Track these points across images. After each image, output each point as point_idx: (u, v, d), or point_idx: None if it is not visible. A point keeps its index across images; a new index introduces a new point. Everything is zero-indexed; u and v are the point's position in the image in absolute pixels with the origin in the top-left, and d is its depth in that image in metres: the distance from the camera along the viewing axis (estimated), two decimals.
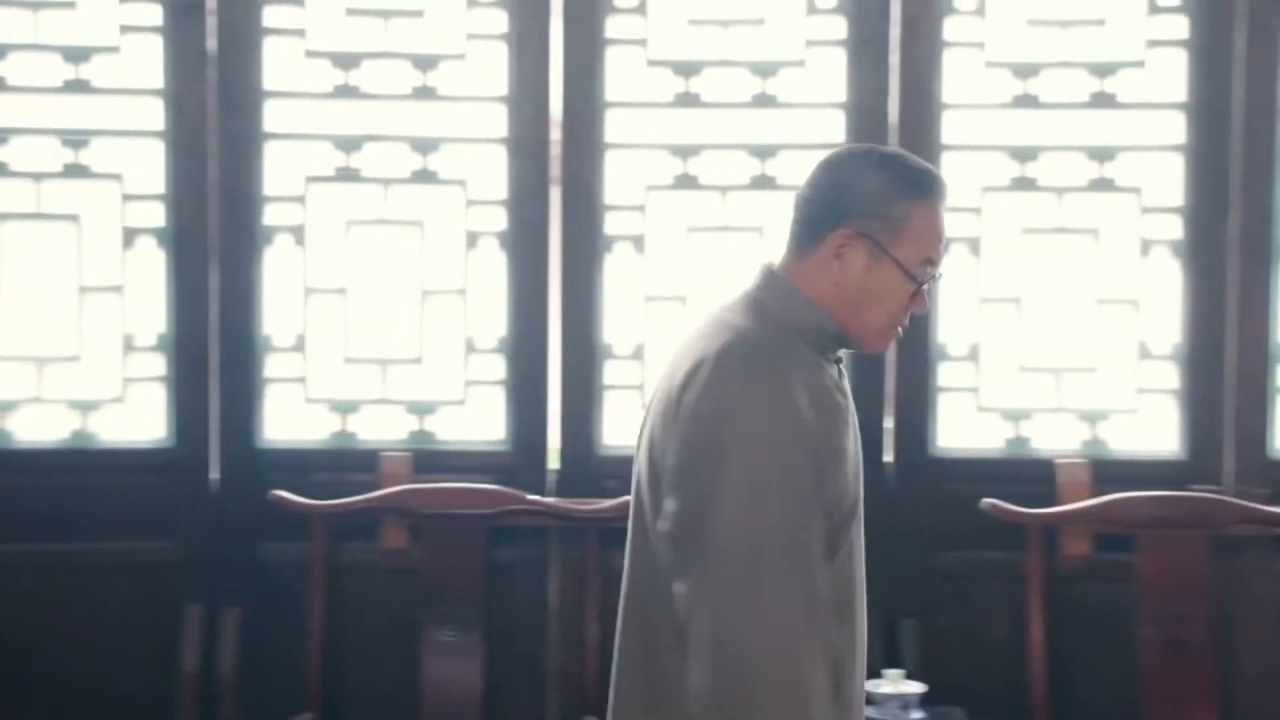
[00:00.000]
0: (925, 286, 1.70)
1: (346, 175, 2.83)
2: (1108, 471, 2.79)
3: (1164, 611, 2.63)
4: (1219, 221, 2.80)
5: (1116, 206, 2.83)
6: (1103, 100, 2.83)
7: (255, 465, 2.82)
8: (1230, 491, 2.74)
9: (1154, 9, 2.81)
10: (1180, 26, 2.81)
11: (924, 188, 1.70)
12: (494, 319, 2.85)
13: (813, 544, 1.60)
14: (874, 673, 2.18)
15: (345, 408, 2.85)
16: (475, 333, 2.85)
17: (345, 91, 2.82)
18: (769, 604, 1.56)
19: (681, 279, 2.85)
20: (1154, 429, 2.89)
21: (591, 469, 2.84)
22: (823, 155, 1.73)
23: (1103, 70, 2.82)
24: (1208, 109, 2.80)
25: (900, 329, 1.72)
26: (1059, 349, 2.89)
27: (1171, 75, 2.82)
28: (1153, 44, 2.83)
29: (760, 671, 1.53)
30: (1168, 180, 2.84)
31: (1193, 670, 2.64)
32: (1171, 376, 2.86)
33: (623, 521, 2.67)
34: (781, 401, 1.59)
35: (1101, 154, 2.83)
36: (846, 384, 1.74)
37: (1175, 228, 2.83)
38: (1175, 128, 2.82)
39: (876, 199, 1.68)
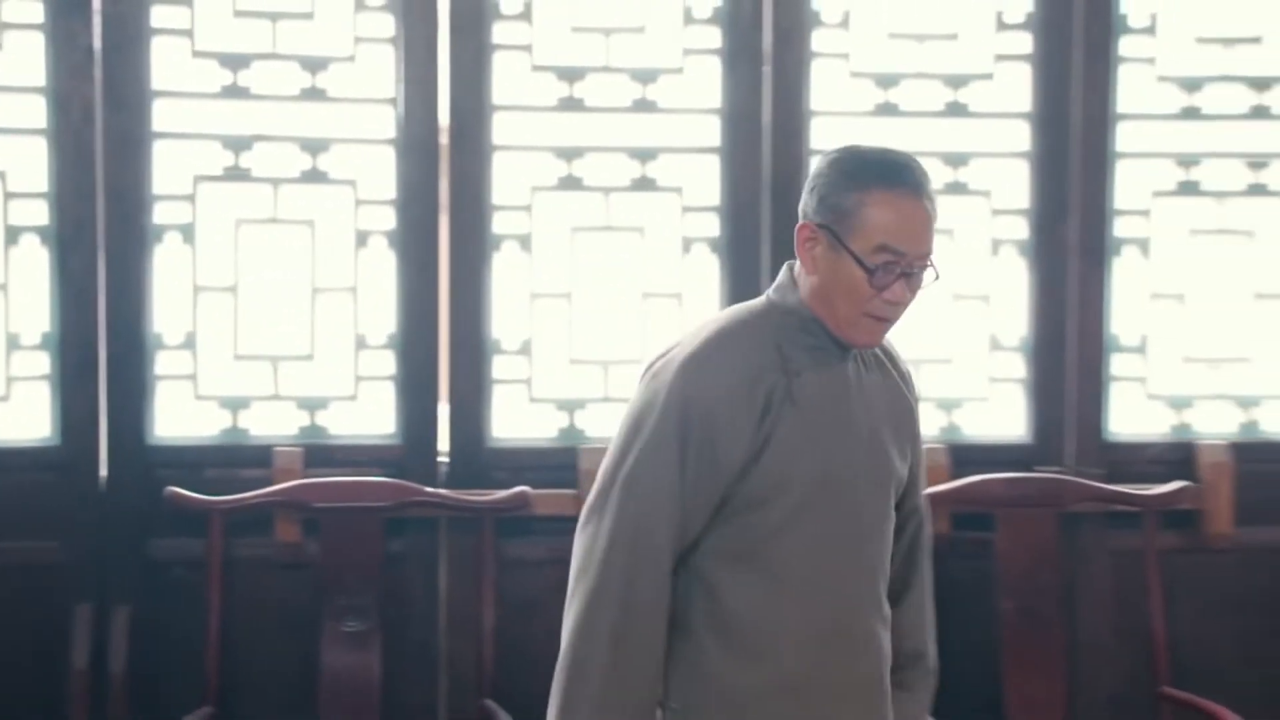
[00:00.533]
0: (891, 274, 1.76)
1: (236, 175, 2.84)
2: (963, 455, 2.99)
3: (1019, 584, 2.84)
4: (1060, 222, 3.02)
5: (969, 208, 3.02)
6: (956, 110, 3.02)
7: (145, 462, 2.81)
8: (1071, 472, 2.96)
9: (1001, 26, 3.01)
10: (1025, 42, 3.02)
11: (873, 177, 1.77)
12: (384, 316, 2.90)
13: (654, 509, 1.80)
14: None
15: (236, 404, 2.87)
16: (366, 329, 2.90)
17: (234, 92, 2.84)
18: (594, 533, 1.83)
19: (566, 277, 2.95)
20: (1003, 415, 3.09)
21: (481, 461, 2.91)
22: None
23: (956, 82, 3.01)
24: (1049, 119, 3.01)
25: (879, 318, 1.80)
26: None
27: (1017, 87, 3.02)
28: (1001, 58, 3.03)
29: (571, 593, 1.83)
30: (1014, 184, 3.04)
31: (1044, 639, 2.85)
32: (1019, 366, 3.07)
33: (515, 511, 2.81)
34: (672, 385, 1.80)
35: (955, 159, 3.02)
36: (839, 371, 1.84)
37: (1021, 228, 3.04)
38: (1021, 136, 3.03)
39: (830, 192, 1.79)
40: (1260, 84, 3.07)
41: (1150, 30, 3.04)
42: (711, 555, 1.87)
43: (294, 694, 2.78)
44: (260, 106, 2.85)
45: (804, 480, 1.83)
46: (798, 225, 1.83)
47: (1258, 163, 3.07)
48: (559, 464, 2.90)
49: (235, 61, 2.84)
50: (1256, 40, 3.06)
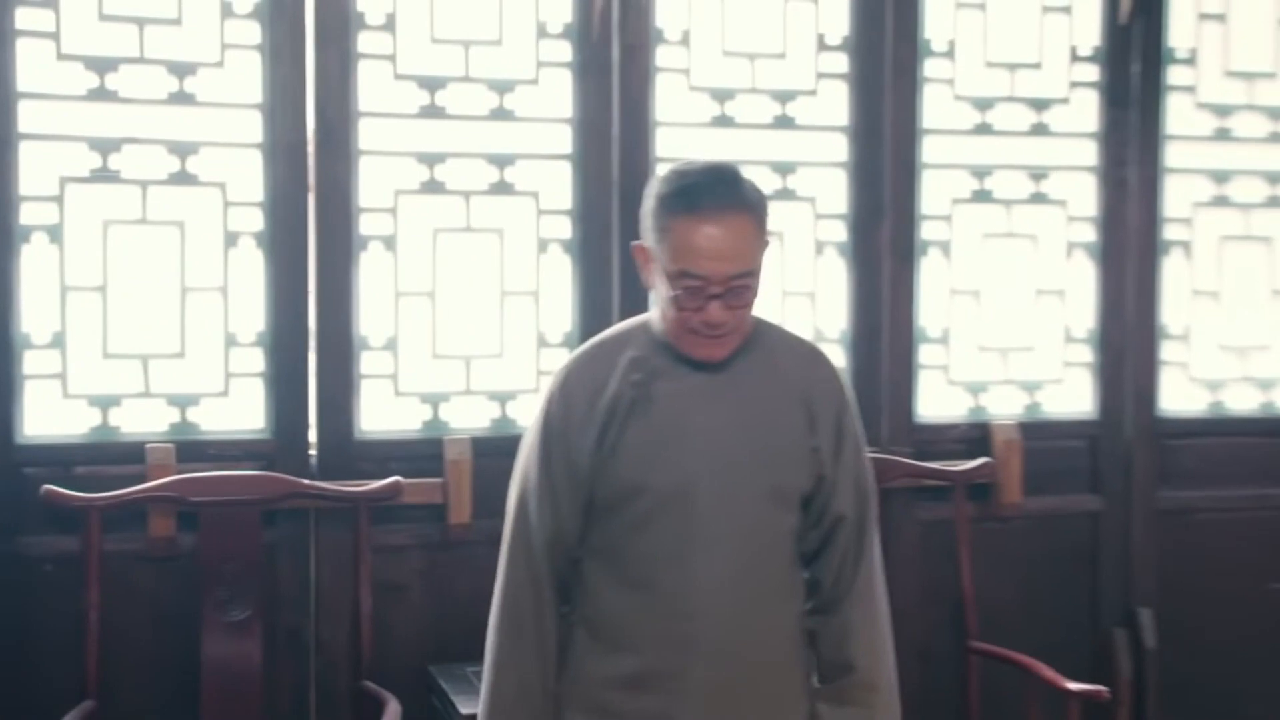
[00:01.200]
0: (697, 297, 1.82)
1: (104, 176, 2.85)
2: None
3: None
4: (875, 226, 3.32)
5: (796, 213, 3.28)
6: (784, 122, 3.27)
7: (13, 461, 2.80)
8: (885, 450, 3.26)
9: (823, 47, 3.28)
10: (842, 63, 3.29)
11: (677, 203, 1.84)
12: (253, 314, 2.96)
13: (531, 505, 1.96)
14: None
15: (106, 402, 2.88)
16: (236, 328, 2.96)
17: (101, 94, 2.84)
18: (505, 542, 2.03)
19: (429, 276, 3.07)
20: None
21: (349, 453, 3.01)
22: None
23: (783, 97, 3.26)
24: (865, 132, 3.30)
25: (706, 335, 1.86)
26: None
27: (836, 103, 3.29)
28: (822, 76, 3.30)
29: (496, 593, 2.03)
30: (835, 191, 3.32)
31: None
32: (840, 357, 3.32)
33: (388, 500, 2.93)
34: (548, 391, 2.00)
35: (783, 168, 3.27)
36: (692, 381, 1.90)
37: (841, 231, 3.32)
38: (840, 147, 3.30)
39: (649, 214, 1.89)
40: (1039, 104, 3.45)
41: (949, 54, 3.38)
42: (587, 552, 1.99)
43: (174, 684, 2.84)
44: (128, 109, 2.87)
45: (654, 488, 1.90)
46: (634, 245, 1.96)
47: (1038, 174, 3.46)
48: (424, 454, 3.04)
49: (102, 65, 2.85)
50: (1037, 66, 3.45)
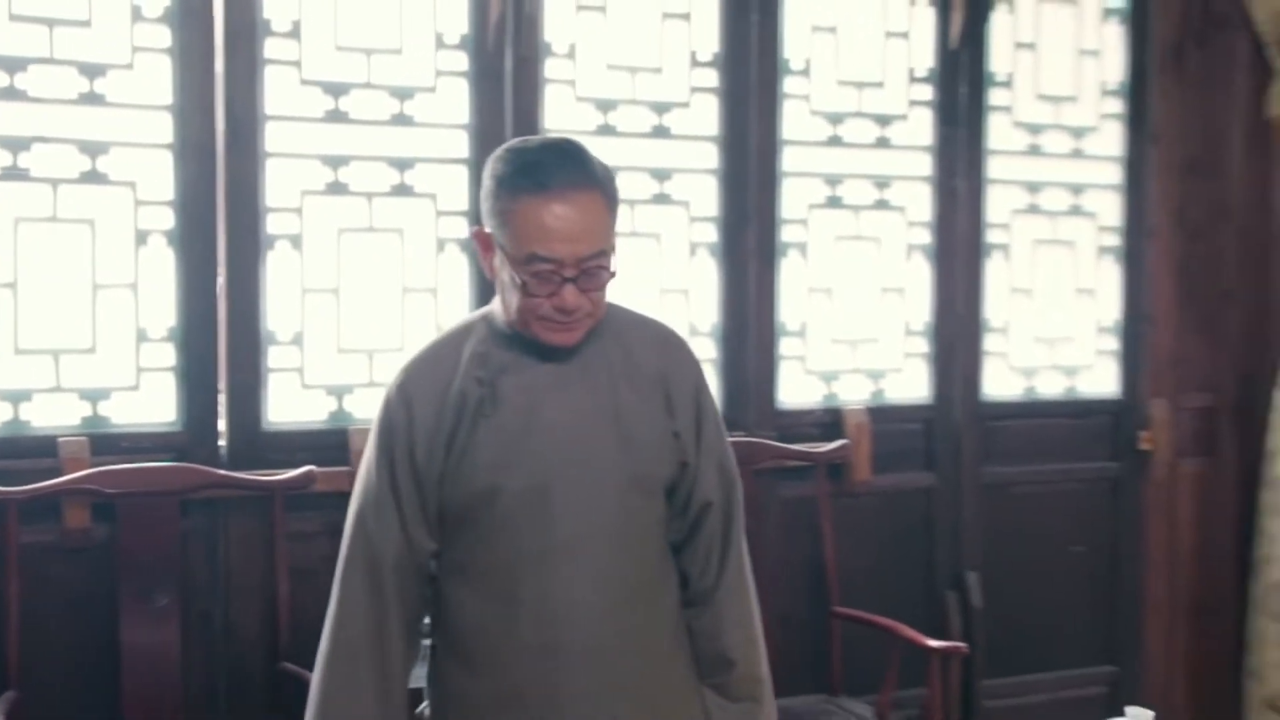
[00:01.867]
0: (550, 282, 1.70)
1: (14, 175, 2.84)
2: None
3: None
4: (742, 229, 3.55)
5: (673, 216, 3.48)
6: (660, 132, 3.47)
7: None
8: (752, 435, 3.46)
9: (695, 62, 3.50)
10: (711, 77, 3.51)
11: (521, 180, 1.70)
12: (164, 310, 3.00)
13: (370, 519, 1.83)
14: None
15: (17, 397, 2.88)
16: (146, 323, 2.99)
17: (11, 94, 2.83)
18: (340, 562, 1.89)
19: (334, 273, 3.16)
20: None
21: (258, 444, 3.08)
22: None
23: (660, 108, 3.47)
24: (733, 142, 3.54)
25: (551, 320, 1.75)
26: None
27: (708, 115, 3.51)
28: (696, 90, 3.48)
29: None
30: (706, 196, 3.52)
31: None
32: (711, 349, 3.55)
33: (301, 489, 3.02)
34: (385, 397, 1.89)
35: (661, 174, 3.47)
36: (538, 374, 1.79)
37: (711, 233, 3.55)
38: (711, 155, 3.52)
39: (489, 196, 1.75)
40: (883, 120, 3.74)
41: (806, 73, 3.64)
42: (444, 569, 1.87)
43: (95, 672, 2.86)
44: (38, 109, 2.86)
45: (509, 490, 1.78)
46: (472, 230, 1.84)
47: (882, 183, 3.76)
48: (330, 444, 3.13)
49: (11, 65, 2.83)
50: (880, 85, 3.75)
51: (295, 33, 3.11)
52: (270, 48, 3.08)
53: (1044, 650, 3.91)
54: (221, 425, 3.07)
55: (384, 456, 1.83)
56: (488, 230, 1.79)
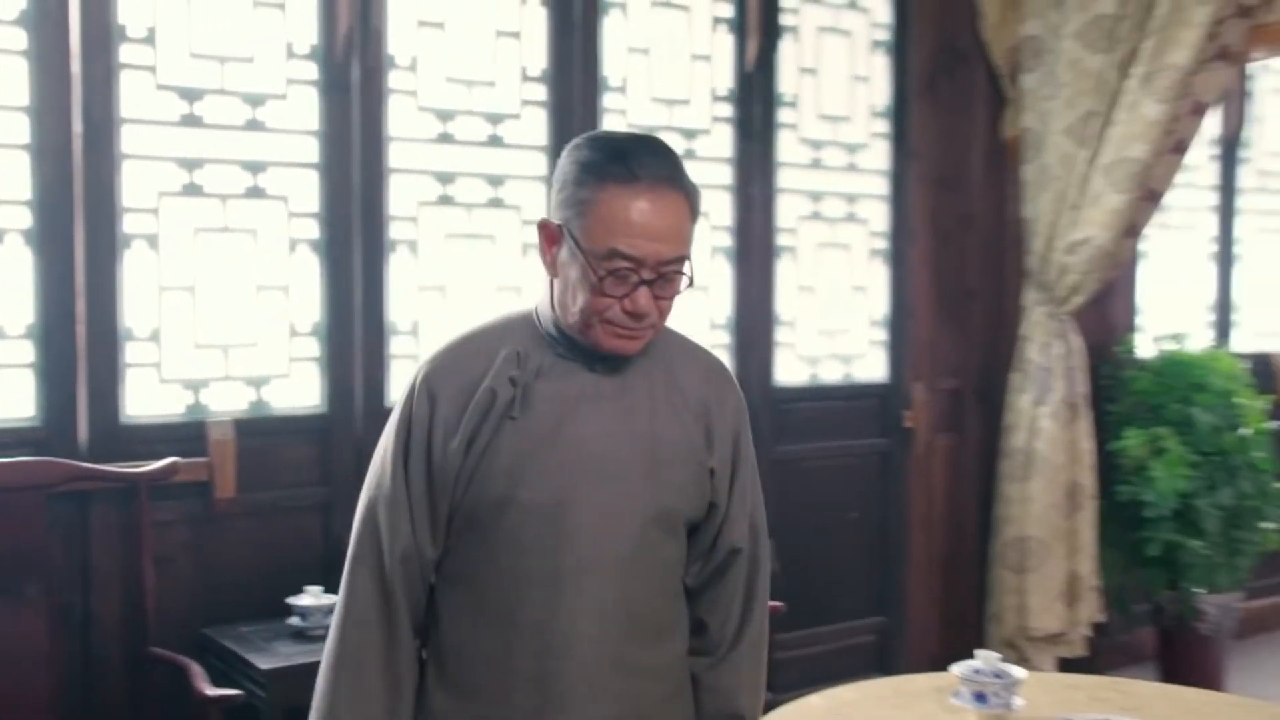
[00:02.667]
0: (625, 283, 1.51)
1: None
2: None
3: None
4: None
5: (509, 220, 3.63)
6: (495, 141, 3.60)
7: None
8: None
9: (525, 77, 3.64)
10: (539, 91, 3.67)
11: (609, 169, 1.50)
12: (23, 309, 2.92)
13: (382, 517, 1.63)
14: None
15: None
16: (4, 322, 2.90)
17: None
18: (348, 562, 1.70)
19: (190, 272, 3.14)
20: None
21: (117, 438, 3.04)
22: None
23: (494, 119, 3.60)
24: (559, 151, 3.69)
25: (618, 325, 1.54)
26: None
27: (537, 125, 3.66)
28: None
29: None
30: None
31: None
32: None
33: (165, 480, 3.00)
34: (410, 387, 1.67)
35: (495, 180, 3.62)
36: (577, 382, 1.58)
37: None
38: (541, 164, 3.66)
39: (566, 185, 1.55)
40: (689, 134, 3.98)
41: (623, 89, 3.83)
42: (442, 578, 1.67)
43: None
44: None
45: (523, 503, 1.59)
46: (538, 222, 1.62)
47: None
48: (187, 436, 3.12)
49: None
50: (687, 102, 3.97)
51: (150, 39, 3.07)
52: (126, 53, 3.03)
53: (825, 605, 4.23)
54: (81, 420, 3.00)
55: (400, 449, 1.64)
56: (557, 222, 1.57)
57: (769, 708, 1.92)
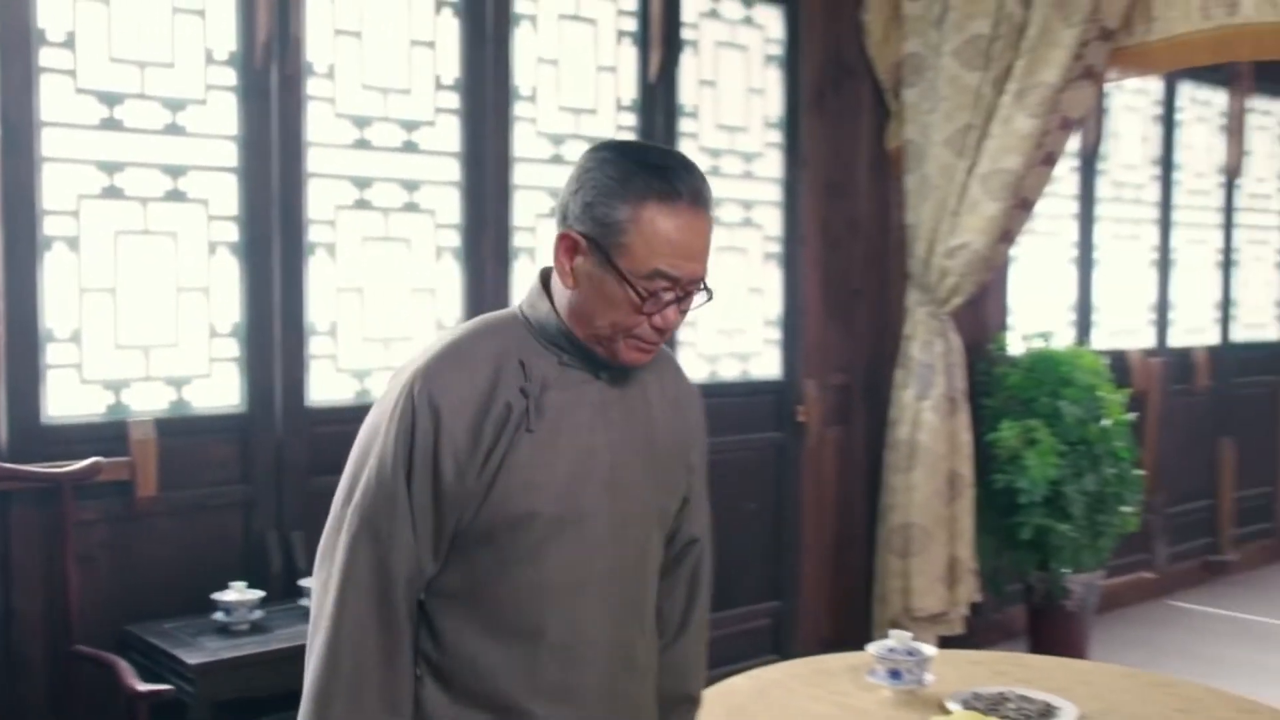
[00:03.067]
0: (661, 301, 1.46)
1: None
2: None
3: None
4: (480, 235, 3.70)
5: (422, 225, 3.65)
6: (410, 147, 3.62)
7: None
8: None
9: (439, 85, 3.67)
10: (453, 99, 3.70)
11: (649, 187, 1.44)
12: None
13: (384, 530, 1.49)
14: None
15: None
16: None
17: None
18: (326, 577, 1.53)
19: (111, 274, 3.11)
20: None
21: (37, 438, 2.98)
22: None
23: (410, 126, 3.61)
24: (471, 158, 3.72)
25: (642, 339, 1.50)
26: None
27: (450, 132, 3.67)
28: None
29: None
30: (451, 205, 3.68)
31: None
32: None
33: (89, 479, 2.96)
34: (405, 397, 1.50)
35: (410, 185, 3.63)
36: (589, 393, 1.53)
37: (454, 239, 3.72)
38: (454, 169, 3.71)
39: (598, 199, 1.46)
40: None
41: (532, 99, 3.89)
42: (436, 593, 1.57)
43: None
44: None
45: (547, 516, 1.52)
46: (559, 233, 1.52)
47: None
48: (108, 436, 3.08)
49: None
50: (594, 112, 4.04)
51: (70, 42, 3.02)
52: (45, 56, 2.99)
53: (725, 591, 4.32)
54: (0, 421, 2.94)
55: (403, 463, 1.50)
56: (581, 232, 1.48)
57: None
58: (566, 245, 1.50)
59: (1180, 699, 2.14)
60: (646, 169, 1.46)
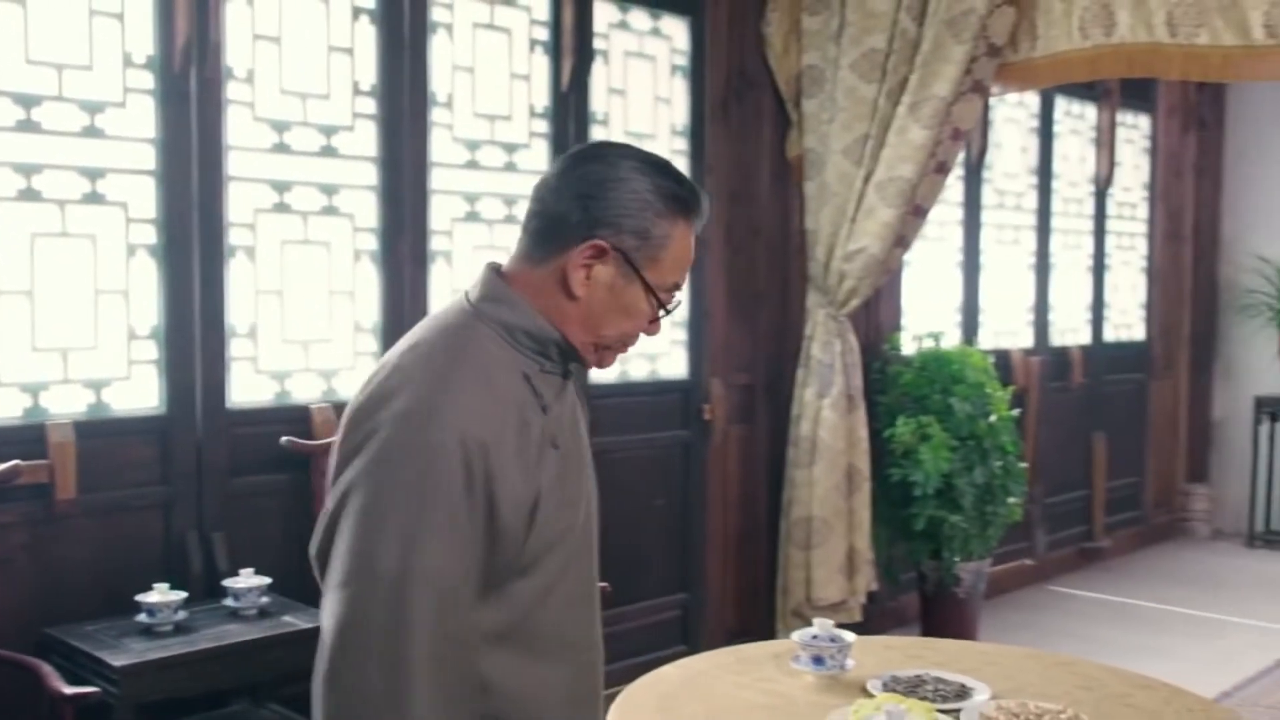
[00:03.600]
0: (670, 309, 1.49)
1: None
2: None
3: None
4: (399, 238, 3.68)
5: (341, 227, 3.60)
6: (329, 151, 3.58)
7: None
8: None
9: (358, 91, 3.64)
10: (370, 105, 3.67)
11: (688, 208, 1.45)
12: None
13: (459, 581, 1.35)
14: None
15: None
16: None
17: None
18: (366, 642, 1.32)
19: (28, 277, 3.01)
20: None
21: None
22: (572, 151, 1.44)
23: (329, 130, 3.57)
24: (390, 162, 3.68)
25: (617, 349, 1.51)
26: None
27: (367, 138, 3.65)
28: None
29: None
30: (368, 209, 3.65)
31: None
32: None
33: (2, 484, 2.88)
34: (439, 436, 1.34)
35: (329, 189, 3.59)
36: (568, 399, 1.49)
37: (372, 242, 3.68)
38: (371, 174, 3.67)
39: (638, 213, 1.42)
40: (510, 148, 4.06)
41: (449, 105, 3.87)
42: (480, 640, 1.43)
43: None
44: None
45: (573, 533, 1.48)
46: (589, 242, 1.43)
47: (510, 200, 4.06)
48: (27, 439, 2.99)
49: None
50: (509, 118, 4.04)
51: None
52: None
53: (634, 585, 4.38)
54: None
55: (466, 514, 1.35)
56: (615, 243, 1.43)
57: None
58: (593, 253, 1.43)
59: (1081, 677, 2.23)
60: (681, 186, 1.45)
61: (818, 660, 2.13)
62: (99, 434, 3.12)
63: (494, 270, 1.48)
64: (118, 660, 2.74)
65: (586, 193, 1.41)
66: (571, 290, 1.42)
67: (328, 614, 1.35)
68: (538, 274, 1.43)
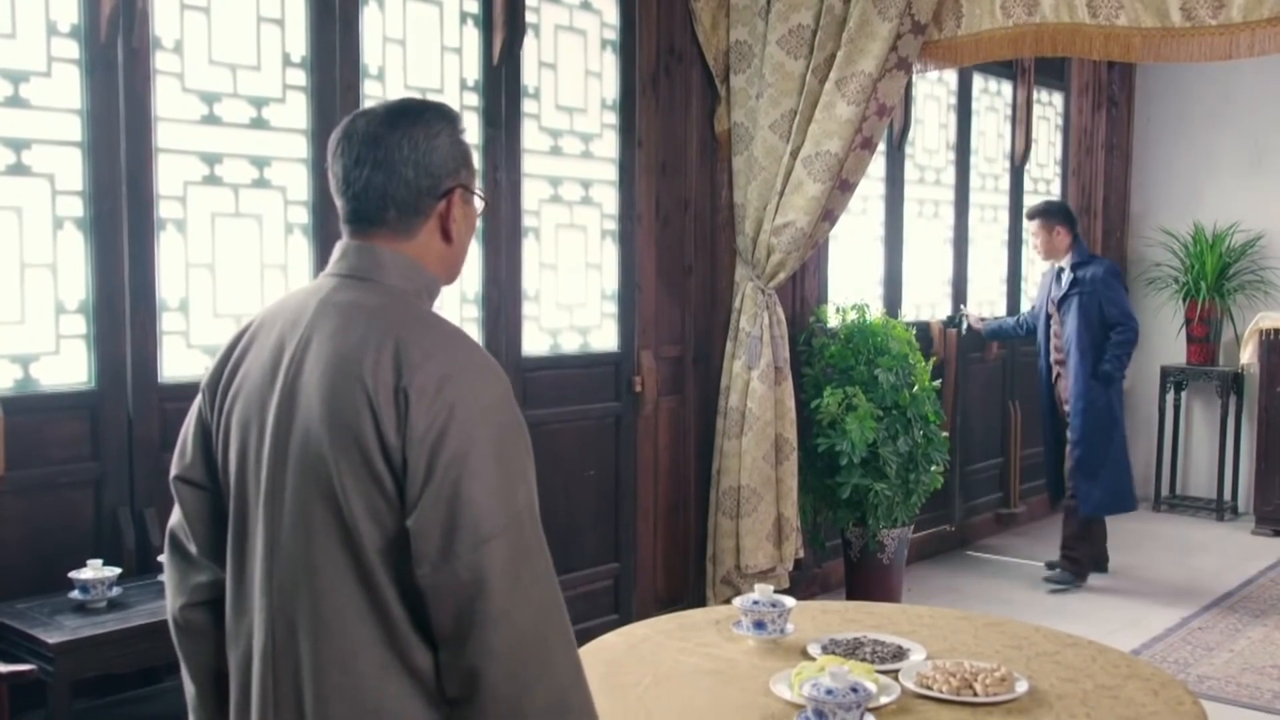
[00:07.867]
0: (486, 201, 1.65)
1: None
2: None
3: None
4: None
5: (274, 200, 3.56)
6: (259, 123, 3.53)
7: None
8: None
9: (288, 62, 3.59)
10: (301, 76, 3.62)
11: (459, 118, 1.62)
12: None
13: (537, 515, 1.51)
14: None
15: None
16: None
17: None
18: (530, 583, 1.46)
19: None
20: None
21: None
22: (366, 131, 1.53)
23: (259, 102, 3.52)
24: (321, 132, 3.62)
25: None
26: None
27: (298, 109, 3.60)
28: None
29: None
30: (300, 181, 3.63)
31: None
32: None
33: None
34: (509, 400, 1.50)
35: (260, 162, 3.53)
36: None
37: (303, 215, 3.65)
38: (302, 146, 3.62)
39: (456, 150, 1.58)
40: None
41: (380, 78, 3.83)
42: None
43: None
44: None
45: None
46: (449, 197, 1.58)
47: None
48: None
49: None
50: (440, 90, 4.01)
51: None
52: None
53: (568, 555, 4.41)
54: None
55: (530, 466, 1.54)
56: (464, 185, 1.61)
57: None
58: (456, 202, 1.58)
59: (1011, 637, 2.31)
60: (449, 109, 1.63)
61: (759, 625, 2.17)
62: (27, 410, 3.05)
63: (371, 249, 1.56)
64: (52, 637, 2.71)
65: (422, 160, 1.54)
66: (451, 237, 1.58)
67: (483, 564, 1.42)
68: (418, 243, 1.56)
